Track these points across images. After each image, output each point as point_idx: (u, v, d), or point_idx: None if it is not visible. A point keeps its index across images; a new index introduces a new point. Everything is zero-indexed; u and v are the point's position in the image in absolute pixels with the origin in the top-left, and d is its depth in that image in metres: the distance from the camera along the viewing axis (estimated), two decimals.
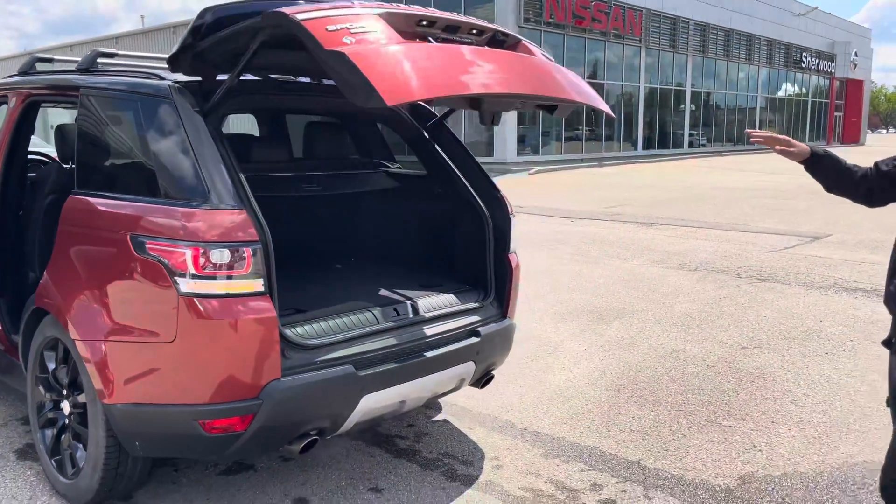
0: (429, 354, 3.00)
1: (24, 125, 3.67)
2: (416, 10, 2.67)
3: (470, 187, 3.49)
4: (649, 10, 28.87)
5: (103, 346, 2.71)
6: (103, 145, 3.14)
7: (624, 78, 29.20)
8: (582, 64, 26.78)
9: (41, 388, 3.17)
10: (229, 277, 2.53)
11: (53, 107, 4.05)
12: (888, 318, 2.43)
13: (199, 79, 2.90)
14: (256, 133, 4.47)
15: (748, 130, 2.75)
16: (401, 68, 2.31)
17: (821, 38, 42.63)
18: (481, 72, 2.55)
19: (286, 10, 2.36)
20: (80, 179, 3.06)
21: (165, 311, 2.55)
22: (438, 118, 3.72)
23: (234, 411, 2.56)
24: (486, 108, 2.84)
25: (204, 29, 2.61)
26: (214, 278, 2.53)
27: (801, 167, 2.66)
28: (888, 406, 2.45)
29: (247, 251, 2.55)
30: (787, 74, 40.95)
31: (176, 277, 2.53)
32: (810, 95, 43.96)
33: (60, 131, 3.68)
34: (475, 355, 3.20)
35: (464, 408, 4.06)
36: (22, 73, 3.83)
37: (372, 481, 3.24)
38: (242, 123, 5.63)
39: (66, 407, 3.04)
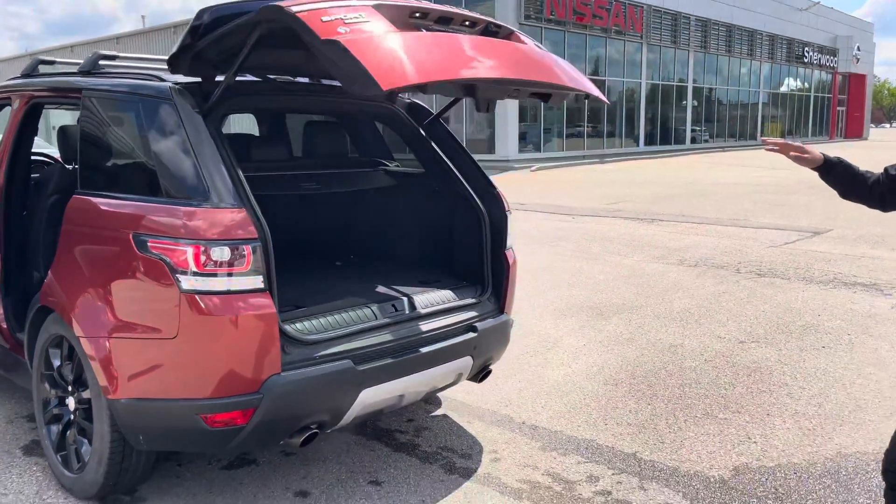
0: (426, 349, 3.05)
1: (27, 127, 3.72)
2: (409, 2, 2.72)
3: (466, 184, 3.54)
4: (650, 6, 28.85)
5: (107, 343, 2.77)
6: (106, 146, 3.20)
7: (626, 74, 29.20)
8: (583, 61, 26.79)
9: (46, 385, 3.23)
10: (230, 275, 2.59)
11: (56, 108, 4.10)
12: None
13: (198, 80, 2.95)
14: (256, 133, 4.53)
15: (763, 138, 2.78)
16: (395, 55, 2.36)
17: (823, 33, 42.55)
18: (474, 58, 2.60)
19: (282, 3, 2.41)
20: (83, 179, 3.12)
21: (167, 307, 2.61)
22: (434, 115, 3.77)
23: (235, 405, 2.61)
24: (480, 95, 2.87)
25: (202, 29, 2.66)
26: (215, 275, 2.58)
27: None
28: None
29: (247, 249, 2.60)
30: (790, 69, 40.89)
31: (177, 275, 2.58)
32: (813, 90, 43.89)
33: (63, 132, 3.74)
34: (472, 350, 3.25)
35: (463, 402, 4.11)
36: (25, 75, 3.88)
37: (372, 474, 3.30)
38: (244, 123, 5.68)
39: (71, 403, 3.10)
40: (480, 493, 3.13)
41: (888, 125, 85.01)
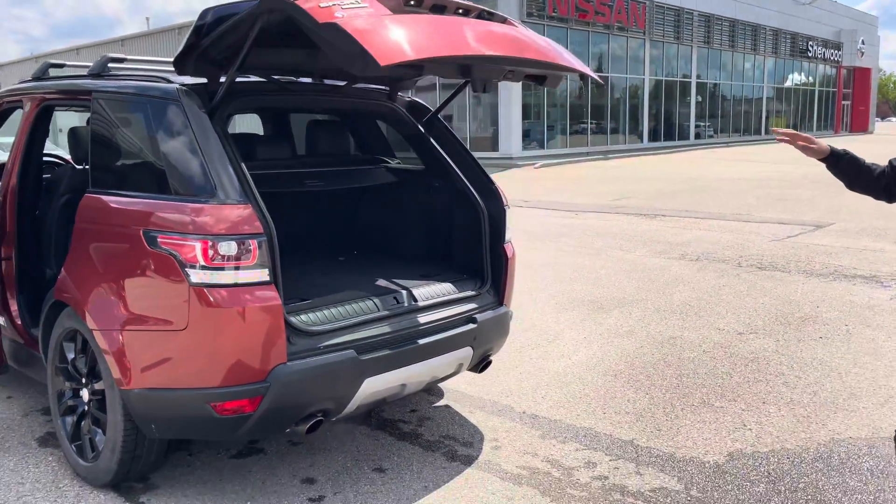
0: (427, 340, 3.15)
1: (38, 129, 3.83)
2: None
3: (466, 180, 3.64)
4: (653, 2, 28.86)
5: (120, 336, 2.88)
6: (115, 146, 3.30)
7: (629, 71, 29.21)
8: (586, 58, 26.81)
9: (61, 378, 3.34)
10: (237, 268, 2.69)
11: (66, 110, 4.20)
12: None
13: (204, 81, 3.05)
14: (261, 132, 4.64)
15: (773, 129, 2.86)
16: (392, 34, 2.46)
17: (827, 27, 42.42)
18: (469, 37, 2.71)
19: None
20: (95, 179, 3.22)
21: (177, 300, 2.71)
22: (433, 112, 3.86)
23: (243, 394, 2.72)
24: (476, 75, 2.93)
25: (205, 28, 2.77)
26: (223, 269, 2.69)
27: (810, 160, 2.77)
28: None
29: (253, 243, 2.71)
30: (794, 64, 40.79)
31: (187, 269, 2.69)
32: (817, 84, 43.77)
33: (73, 134, 3.85)
34: (472, 341, 3.34)
35: (465, 393, 4.21)
36: (35, 78, 3.99)
37: (376, 462, 3.40)
38: (250, 124, 5.78)
39: (85, 394, 3.21)
40: (481, 479, 3.23)
41: (894, 119, 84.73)
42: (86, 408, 3.22)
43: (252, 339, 2.70)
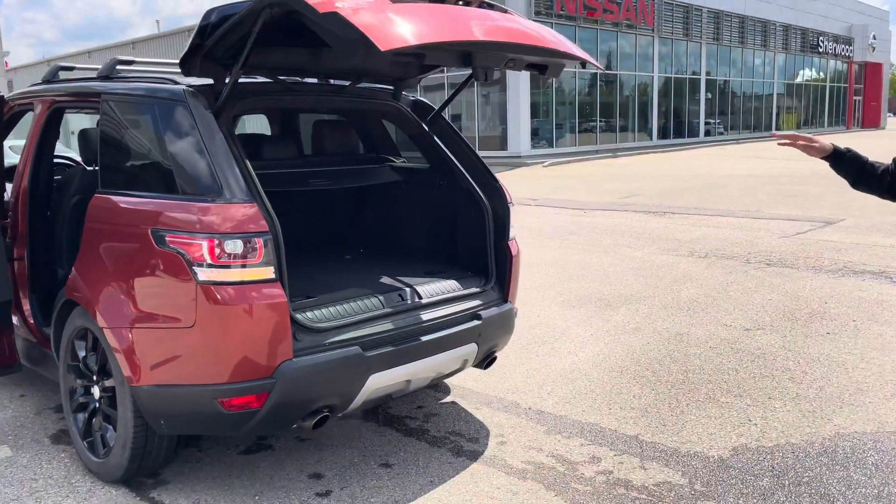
0: (432, 336, 3.18)
1: (49, 130, 3.89)
2: None
3: (470, 178, 3.67)
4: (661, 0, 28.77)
5: (129, 333, 2.93)
6: (124, 147, 3.36)
7: (637, 68, 29.14)
8: (594, 55, 26.72)
9: (73, 376, 3.39)
10: (243, 266, 2.73)
11: (77, 112, 4.26)
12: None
13: (210, 81, 3.10)
14: (268, 132, 4.69)
15: (774, 133, 2.85)
16: (393, 21, 2.50)
17: (838, 22, 42.12)
18: (469, 24, 2.75)
19: None
20: (104, 180, 3.28)
21: (185, 298, 2.76)
22: (436, 111, 3.89)
23: (250, 389, 2.76)
24: (478, 62, 2.94)
25: (210, 28, 2.81)
26: (229, 267, 2.73)
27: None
28: None
29: (258, 241, 2.75)
30: (805, 59, 40.54)
31: (194, 267, 2.73)
32: (829, 80, 43.48)
33: (83, 135, 3.90)
34: (477, 337, 3.37)
35: (471, 390, 4.24)
36: (46, 81, 4.06)
37: (383, 458, 3.43)
38: (259, 125, 5.83)
39: (96, 391, 3.26)
40: (486, 474, 3.26)
41: None
42: (97, 405, 3.27)
43: (258, 336, 2.74)
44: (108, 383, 3.16)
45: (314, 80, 3.67)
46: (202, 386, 2.79)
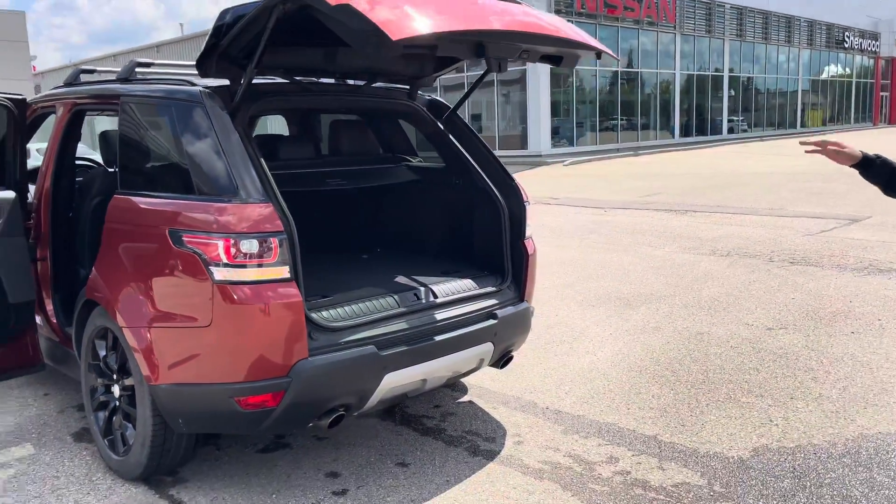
0: (447, 336, 3.18)
1: (71, 133, 3.95)
2: None
3: (485, 177, 3.66)
4: None
5: (148, 333, 2.96)
6: (142, 148, 3.39)
7: (659, 65, 28.89)
8: (615, 53, 26.56)
9: (94, 375, 3.44)
10: (258, 265, 2.75)
11: (98, 115, 4.32)
12: None
13: (226, 82, 3.12)
14: (286, 132, 4.71)
15: (801, 142, 2.82)
16: (404, 12, 2.50)
17: (864, 17, 41.39)
18: (481, 14, 2.74)
19: None
20: (123, 180, 3.32)
21: (202, 298, 2.78)
22: (451, 109, 3.89)
23: (266, 388, 2.78)
24: (491, 53, 2.91)
25: (225, 28, 2.83)
26: (245, 266, 2.75)
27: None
28: None
29: (274, 241, 2.76)
30: (830, 55, 39.91)
31: (210, 267, 2.75)
32: (854, 76, 42.77)
33: (104, 137, 3.95)
34: (493, 336, 3.36)
35: (488, 389, 4.22)
36: (67, 84, 4.12)
37: (399, 457, 3.44)
38: (278, 126, 5.87)
39: (116, 390, 3.30)
40: (503, 473, 3.25)
41: None
42: (117, 403, 3.31)
43: (274, 335, 2.76)
44: (127, 382, 3.20)
45: (330, 81, 3.69)
46: (219, 385, 2.81)
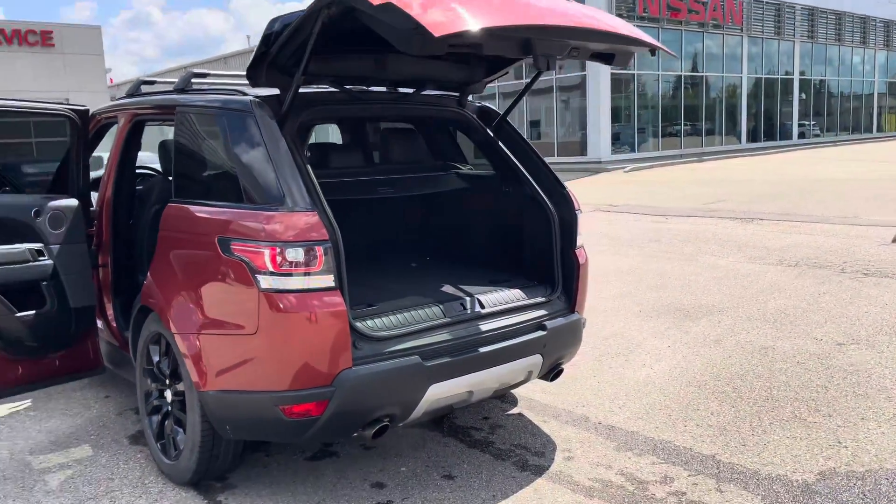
0: (494, 347, 3.11)
1: (131, 142, 4.06)
2: None
3: (535, 184, 3.58)
4: None
5: (197, 339, 3.00)
6: (195, 157, 3.45)
7: (725, 69, 28.10)
8: (679, 57, 26.01)
9: (148, 379, 3.51)
10: (303, 274, 2.75)
11: (159, 125, 4.44)
12: None
13: (276, 92, 3.14)
14: (340, 141, 4.74)
15: None
16: (447, 8, 2.45)
17: None
18: (527, 9, 2.67)
19: None
20: (177, 188, 3.38)
21: (248, 305, 2.80)
22: (501, 116, 3.83)
23: (310, 397, 2.77)
24: (538, 51, 2.80)
25: (273, 36, 2.85)
26: (290, 275, 2.75)
27: None
28: None
29: (319, 250, 2.76)
30: None
31: (257, 275, 2.77)
32: None
33: (163, 147, 4.06)
34: (542, 348, 3.28)
35: (539, 402, 4.13)
36: (129, 95, 4.24)
37: (446, 469, 3.38)
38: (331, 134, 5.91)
39: (168, 395, 3.36)
40: (551, 490, 3.16)
41: None
42: (169, 408, 3.36)
43: (318, 344, 2.75)
44: (179, 387, 3.25)
45: (380, 89, 3.68)
46: (264, 393, 2.82)
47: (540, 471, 3.33)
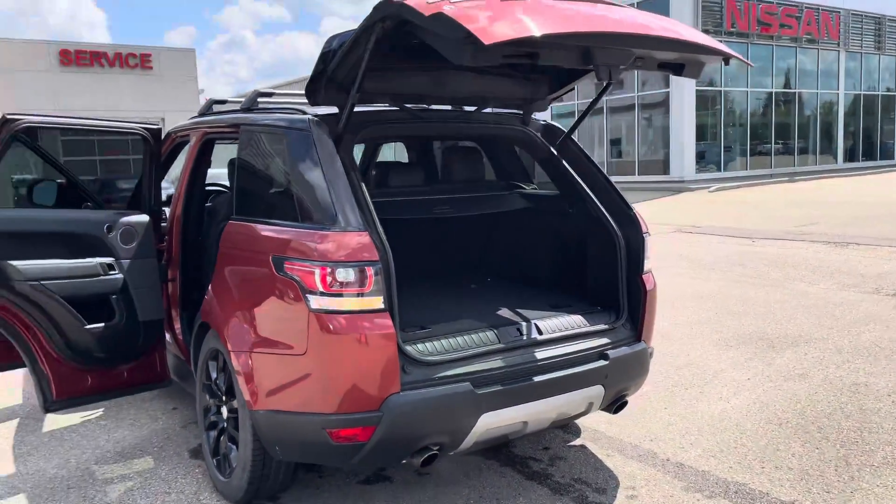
0: (552, 376, 2.96)
1: (201, 160, 4.15)
2: None
3: (600, 205, 3.42)
4: (848, 11, 26.31)
5: (249, 358, 2.99)
6: (254, 175, 3.47)
7: (820, 86, 26.78)
8: (770, 73, 24.99)
9: (206, 395, 3.53)
10: (353, 295, 2.69)
11: (228, 143, 4.53)
12: None
13: (335, 110, 3.12)
14: (406, 159, 4.71)
15: None
16: (499, 16, 2.36)
17: None
18: (584, 16, 2.54)
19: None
20: (238, 206, 3.41)
21: (299, 326, 2.76)
22: (566, 134, 3.69)
23: (357, 422, 2.70)
24: (599, 61, 2.63)
25: (331, 54, 2.83)
26: (340, 296, 2.70)
27: None
28: None
29: (369, 271, 2.69)
30: None
31: (307, 295, 2.73)
32: None
33: (231, 164, 4.12)
34: (604, 379, 3.10)
35: (604, 433, 3.92)
36: (201, 114, 4.34)
37: (500, 501, 3.24)
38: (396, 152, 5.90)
39: (224, 412, 3.37)
40: None
41: None
42: (224, 425, 3.37)
43: (365, 367, 2.68)
44: (233, 404, 3.24)
45: (441, 107, 3.61)
46: (311, 415, 2.77)
47: None
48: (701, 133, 23.74)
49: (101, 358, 3.83)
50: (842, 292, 7.14)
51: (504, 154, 4.24)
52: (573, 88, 3.69)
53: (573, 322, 3.21)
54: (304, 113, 3.17)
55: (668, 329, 5.88)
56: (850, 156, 28.28)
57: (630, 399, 3.43)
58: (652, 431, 3.95)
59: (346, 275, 2.69)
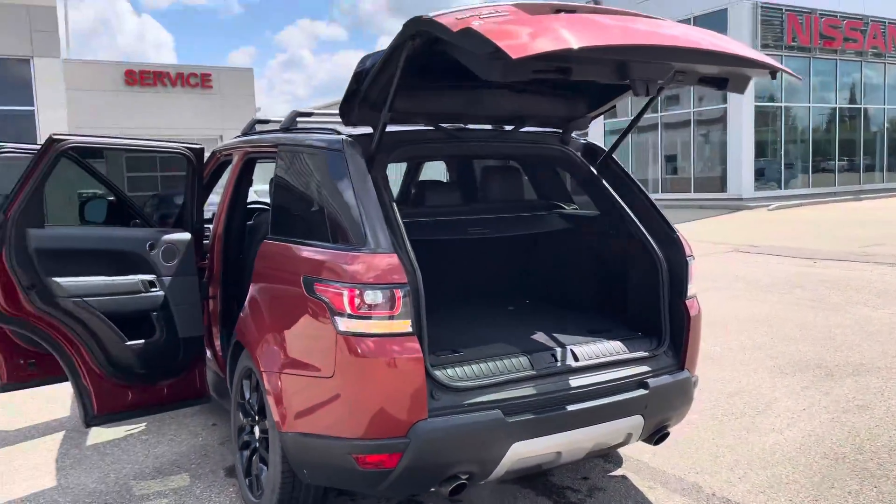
0: (588, 405, 2.85)
1: (243, 179, 4.19)
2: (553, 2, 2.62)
3: (642, 227, 3.30)
4: None
5: (279, 379, 2.97)
6: (289, 195, 3.47)
7: (888, 101, 25.75)
8: (833, 87, 24.17)
9: (240, 413, 3.53)
10: (380, 318, 2.64)
11: (268, 162, 4.58)
12: None
13: (368, 130, 3.10)
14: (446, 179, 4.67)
15: None
16: (528, 30, 2.30)
17: None
18: (619, 30, 2.45)
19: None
20: (273, 226, 3.41)
21: (327, 348, 2.73)
22: (606, 153, 3.58)
23: (383, 448, 2.64)
24: (635, 75, 2.52)
25: (364, 74, 2.81)
26: (369, 318, 2.65)
27: None
28: None
29: (397, 293, 2.64)
30: None
31: (335, 317, 2.69)
32: None
33: (270, 183, 4.15)
34: (643, 409, 2.97)
35: (647, 464, 3.76)
36: (244, 133, 4.39)
37: None
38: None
39: (256, 432, 3.35)
40: None
41: None
42: (256, 445, 3.36)
43: (391, 392, 2.62)
44: (265, 425, 3.23)
45: (478, 127, 3.56)
46: (338, 439, 2.72)
47: None
48: (760, 150, 23.08)
49: (141, 374, 3.89)
50: None
51: (544, 173, 4.15)
52: (614, 106, 3.59)
53: (611, 349, 3.09)
54: (339, 133, 3.16)
55: (719, 354, 5.66)
56: None
57: (675, 428, 3.28)
58: (698, 463, 3.77)
59: (374, 297, 2.64)
